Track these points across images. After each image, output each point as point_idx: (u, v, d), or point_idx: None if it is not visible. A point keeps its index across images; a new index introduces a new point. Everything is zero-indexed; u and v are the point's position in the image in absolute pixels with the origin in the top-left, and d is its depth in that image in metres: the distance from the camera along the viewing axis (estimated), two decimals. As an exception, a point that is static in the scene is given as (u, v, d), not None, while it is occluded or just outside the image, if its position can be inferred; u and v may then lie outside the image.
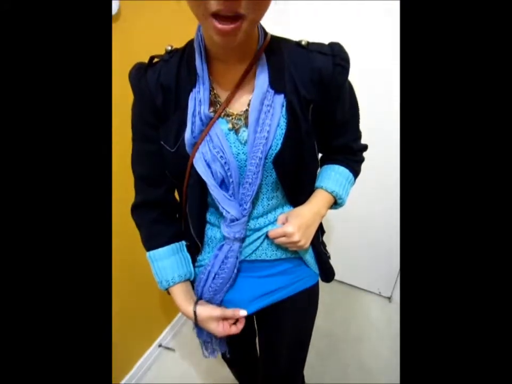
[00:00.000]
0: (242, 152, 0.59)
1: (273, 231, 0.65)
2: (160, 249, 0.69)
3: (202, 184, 0.60)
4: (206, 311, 0.67)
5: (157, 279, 0.70)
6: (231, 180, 0.59)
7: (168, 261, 0.69)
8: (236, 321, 0.70)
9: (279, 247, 0.70)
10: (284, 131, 0.58)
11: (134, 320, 1.36)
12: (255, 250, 0.69)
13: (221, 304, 0.72)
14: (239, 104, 0.59)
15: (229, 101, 0.58)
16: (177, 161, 0.61)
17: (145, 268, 1.23)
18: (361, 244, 1.73)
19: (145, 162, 0.66)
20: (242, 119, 0.59)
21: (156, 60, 0.61)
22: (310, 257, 0.75)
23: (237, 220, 0.62)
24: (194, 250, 0.72)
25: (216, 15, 0.44)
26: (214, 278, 0.68)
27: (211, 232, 0.71)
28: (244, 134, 0.58)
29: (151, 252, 0.69)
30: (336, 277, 0.82)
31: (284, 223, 0.67)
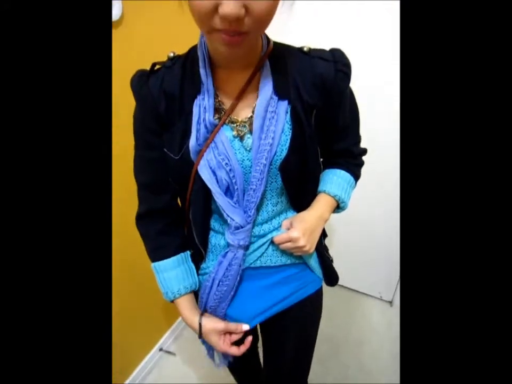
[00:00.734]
0: (247, 159, 0.59)
1: (279, 236, 0.65)
2: (165, 261, 0.69)
3: (206, 190, 0.60)
4: (211, 323, 0.68)
5: (162, 290, 0.70)
6: (236, 187, 0.59)
7: (174, 272, 0.69)
8: (240, 342, 0.70)
9: (283, 252, 0.70)
10: (288, 137, 0.59)
11: (134, 323, 1.36)
12: (260, 256, 0.69)
13: (225, 315, 0.72)
14: (243, 111, 0.59)
15: (233, 108, 0.58)
16: (181, 168, 0.61)
17: (146, 270, 1.23)
18: (362, 248, 1.73)
19: (148, 169, 0.66)
20: (247, 125, 0.59)
21: (158, 66, 0.61)
22: (314, 262, 0.75)
23: (242, 227, 0.62)
24: (198, 257, 0.72)
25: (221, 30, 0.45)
26: (218, 285, 0.68)
27: (215, 240, 0.70)
28: (249, 140, 0.59)
29: (156, 263, 0.69)
30: (337, 281, 0.82)
31: (288, 228, 0.66)
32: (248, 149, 0.59)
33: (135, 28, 1.04)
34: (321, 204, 0.70)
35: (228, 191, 0.60)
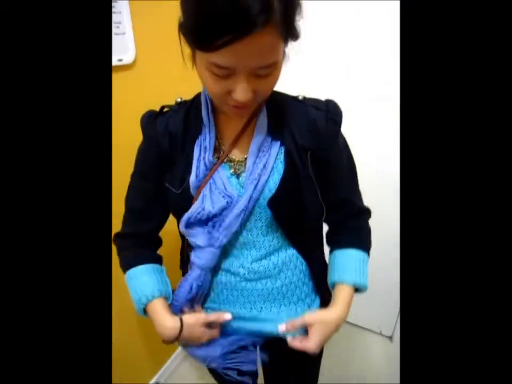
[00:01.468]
0: (242, 195, 0.63)
1: (293, 343, 0.66)
2: (141, 267, 0.70)
3: None
4: (191, 318, 0.68)
5: (135, 297, 0.70)
6: (228, 213, 0.62)
7: (148, 277, 0.70)
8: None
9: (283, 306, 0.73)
10: (281, 176, 0.62)
11: (131, 358, 1.34)
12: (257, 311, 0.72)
13: None
14: (240, 151, 0.65)
15: (231, 148, 0.64)
16: (182, 202, 0.65)
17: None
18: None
19: (139, 197, 0.72)
20: (243, 165, 0.64)
21: (166, 109, 0.68)
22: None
23: (201, 247, 0.64)
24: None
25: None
26: (173, 299, 0.71)
27: (219, 277, 0.72)
28: (244, 178, 0.63)
29: (130, 271, 0.71)
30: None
31: (305, 325, 0.67)
32: (243, 186, 0.64)
33: (147, 72, 1.12)
34: (344, 301, 0.68)
35: (203, 220, 0.64)
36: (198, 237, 0.64)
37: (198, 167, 0.63)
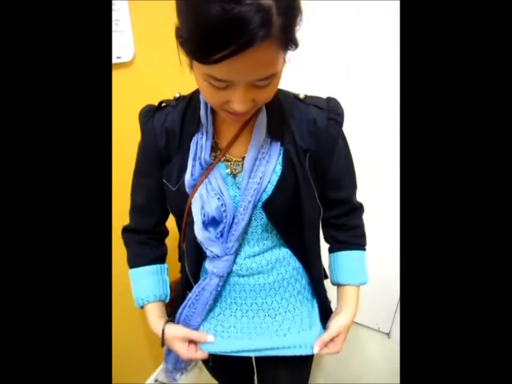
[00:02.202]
0: (238, 195, 0.63)
1: (322, 351, 0.71)
2: (141, 268, 0.73)
3: None
4: (172, 330, 0.71)
5: (134, 296, 0.74)
6: (224, 220, 0.62)
7: (147, 280, 0.73)
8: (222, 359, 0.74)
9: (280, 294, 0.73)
10: (278, 178, 0.62)
11: (130, 354, 1.35)
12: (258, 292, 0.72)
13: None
14: (238, 151, 0.63)
15: (228, 148, 0.63)
16: (178, 199, 0.65)
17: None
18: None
19: (140, 193, 0.73)
20: (240, 165, 0.63)
21: (164, 104, 0.67)
22: (315, 313, 0.78)
23: (218, 256, 0.65)
24: (188, 287, 0.74)
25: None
26: (189, 306, 0.72)
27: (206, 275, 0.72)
28: (241, 179, 0.62)
29: (132, 270, 0.74)
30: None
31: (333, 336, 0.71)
32: (239, 186, 0.63)
33: (146, 69, 1.12)
34: (355, 301, 0.74)
35: (212, 225, 0.63)
36: (215, 247, 0.64)
37: (193, 166, 0.62)
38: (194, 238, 0.66)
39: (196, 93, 0.65)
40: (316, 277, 0.76)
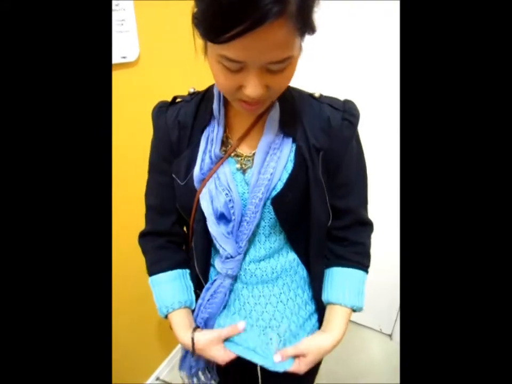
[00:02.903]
0: (247, 192, 0.61)
1: (284, 368, 0.63)
2: (162, 274, 0.69)
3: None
4: (203, 336, 0.65)
5: (156, 305, 0.69)
6: (233, 218, 0.60)
7: (169, 286, 0.69)
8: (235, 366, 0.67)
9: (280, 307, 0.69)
10: (289, 175, 0.59)
11: (131, 352, 1.35)
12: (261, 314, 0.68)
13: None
14: (249, 146, 0.62)
15: (239, 143, 0.61)
16: (186, 194, 0.63)
17: (143, 298, 1.26)
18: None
19: (156, 193, 0.70)
20: (251, 160, 0.61)
21: (179, 100, 0.66)
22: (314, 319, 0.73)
23: (232, 257, 0.62)
24: (197, 287, 0.72)
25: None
26: (201, 312, 0.68)
27: (215, 272, 0.70)
28: (251, 174, 0.61)
29: (153, 277, 0.69)
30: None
31: (300, 355, 0.64)
32: (248, 182, 0.61)
33: (150, 69, 1.12)
34: (343, 324, 0.65)
35: (223, 221, 0.61)
36: (228, 245, 0.61)
37: (203, 160, 0.61)
38: (203, 234, 0.64)
39: (210, 88, 0.64)
40: (317, 283, 0.71)
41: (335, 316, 0.66)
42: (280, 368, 0.64)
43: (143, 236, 0.73)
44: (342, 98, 0.65)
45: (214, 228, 0.61)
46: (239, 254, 0.63)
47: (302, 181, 0.60)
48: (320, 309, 0.72)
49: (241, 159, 0.62)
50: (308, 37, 0.47)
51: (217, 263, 0.66)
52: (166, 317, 0.69)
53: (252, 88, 0.46)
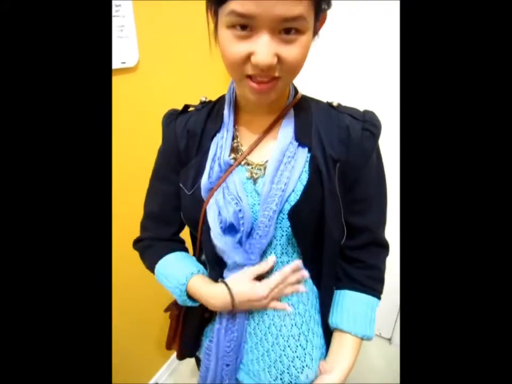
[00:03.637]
0: (258, 203, 0.57)
1: None
2: (169, 256, 0.65)
3: None
4: (234, 278, 0.59)
5: (172, 283, 0.62)
6: (242, 229, 0.56)
7: (181, 262, 0.64)
8: None
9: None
10: (303, 187, 0.55)
11: (130, 358, 1.35)
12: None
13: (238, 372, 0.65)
14: (261, 154, 0.58)
15: (251, 150, 0.58)
16: (192, 205, 0.60)
17: (141, 304, 1.25)
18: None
19: (158, 201, 0.67)
20: (262, 169, 0.57)
21: (191, 108, 0.65)
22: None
23: (244, 265, 0.57)
24: (208, 309, 0.64)
25: (252, 76, 0.47)
26: (226, 335, 0.62)
27: None
28: (262, 184, 0.56)
29: (160, 263, 0.64)
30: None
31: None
32: (259, 192, 0.57)
33: (150, 74, 1.13)
34: (349, 354, 0.60)
35: (230, 233, 0.57)
36: (238, 255, 0.57)
37: (211, 167, 0.57)
38: (213, 246, 0.59)
39: (222, 97, 0.63)
40: (327, 309, 0.65)
41: (345, 346, 0.61)
42: None
43: (138, 241, 0.70)
44: (342, 98, 0.63)
45: (219, 239, 0.56)
46: (251, 263, 0.57)
47: (318, 194, 0.55)
48: (328, 333, 0.66)
49: (252, 168, 0.58)
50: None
51: (225, 273, 0.61)
52: (186, 294, 0.62)
53: (261, 53, 0.43)
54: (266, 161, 0.57)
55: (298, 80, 0.54)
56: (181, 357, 0.77)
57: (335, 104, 0.60)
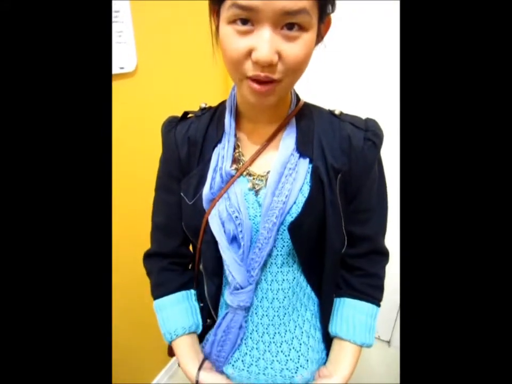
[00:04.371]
0: (260, 215, 0.56)
1: None
2: (166, 298, 0.66)
3: (217, 243, 0.58)
4: (209, 379, 0.61)
5: (161, 331, 0.66)
6: (242, 243, 0.56)
7: (173, 310, 0.65)
8: None
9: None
10: (305, 198, 0.55)
11: (129, 360, 1.35)
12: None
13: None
14: (262, 165, 0.58)
15: (252, 160, 0.57)
16: (193, 215, 0.59)
17: (142, 307, 1.26)
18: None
19: (163, 212, 0.66)
20: (264, 180, 0.57)
21: (190, 115, 0.64)
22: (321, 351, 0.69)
23: (242, 288, 0.57)
24: (207, 315, 0.67)
25: (253, 78, 0.46)
26: (214, 349, 0.64)
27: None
28: (264, 196, 0.56)
29: (158, 301, 0.66)
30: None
31: None
32: (261, 204, 0.56)
33: (148, 79, 1.14)
34: (349, 362, 0.62)
35: (235, 245, 0.57)
36: (239, 274, 0.57)
37: (213, 178, 0.57)
38: (213, 257, 0.60)
39: (222, 103, 0.62)
40: (327, 318, 0.66)
41: (345, 353, 0.62)
42: None
43: (148, 257, 0.70)
44: (342, 100, 0.62)
45: (227, 253, 0.56)
46: (250, 284, 0.58)
47: (319, 205, 0.55)
48: (328, 340, 0.67)
49: (254, 179, 0.58)
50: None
51: (227, 295, 0.60)
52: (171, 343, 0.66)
53: (262, 48, 0.42)
54: (267, 172, 0.57)
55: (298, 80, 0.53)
56: None
57: (337, 112, 0.59)
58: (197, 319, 0.67)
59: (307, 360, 0.64)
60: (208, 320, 0.68)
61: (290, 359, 0.64)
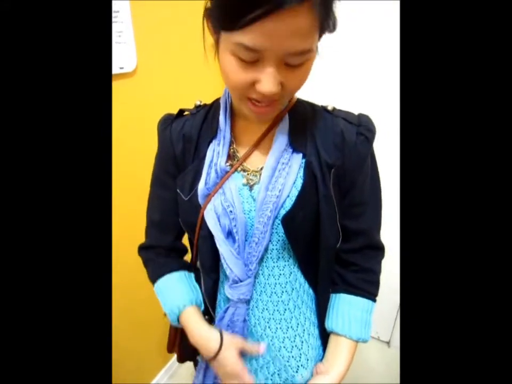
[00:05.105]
0: (254, 209, 0.57)
1: None
2: (168, 276, 0.66)
3: (214, 237, 0.59)
4: (228, 336, 0.61)
5: (166, 308, 0.65)
6: (237, 237, 0.57)
7: (178, 285, 0.66)
8: None
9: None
10: (298, 192, 0.56)
11: (128, 361, 1.35)
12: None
13: None
14: (256, 161, 0.59)
15: (246, 156, 0.58)
16: (189, 210, 0.61)
17: (141, 305, 1.25)
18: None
19: (158, 207, 0.68)
20: (258, 175, 0.58)
21: (186, 113, 0.65)
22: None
23: (241, 281, 0.58)
24: (205, 310, 0.67)
25: (252, 99, 0.47)
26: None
27: (225, 296, 0.65)
28: (257, 191, 0.57)
29: (160, 280, 0.66)
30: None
31: None
32: (255, 198, 0.57)
33: (148, 79, 1.14)
34: (344, 357, 0.61)
35: (231, 240, 0.58)
36: (237, 267, 0.58)
37: (208, 174, 0.58)
38: (210, 252, 0.61)
39: (217, 100, 0.63)
40: (324, 311, 0.67)
41: (341, 349, 0.62)
42: None
43: (143, 249, 0.71)
44: (341, 100, 0.63)
45: (223, 246, 0.57)
46: (249, 277, 0.59)
47: (313, 199, 0.56)
48: (325, 336, 0.68)
49: (248, 174, 0.59)
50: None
51: (226, 289, 0.61)
52: (178, 320, 0.65)
53: (267, 83, 0.43)
54: (261, 168, 0.58)
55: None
56: (181, 360, 0.79)
57: (330, 108, 0.60)
58: (200, 297, 0.67)
59: (307, 360, 0.65)
60: (206, 317, 0.68)
61: (292, 357, 0.64)
